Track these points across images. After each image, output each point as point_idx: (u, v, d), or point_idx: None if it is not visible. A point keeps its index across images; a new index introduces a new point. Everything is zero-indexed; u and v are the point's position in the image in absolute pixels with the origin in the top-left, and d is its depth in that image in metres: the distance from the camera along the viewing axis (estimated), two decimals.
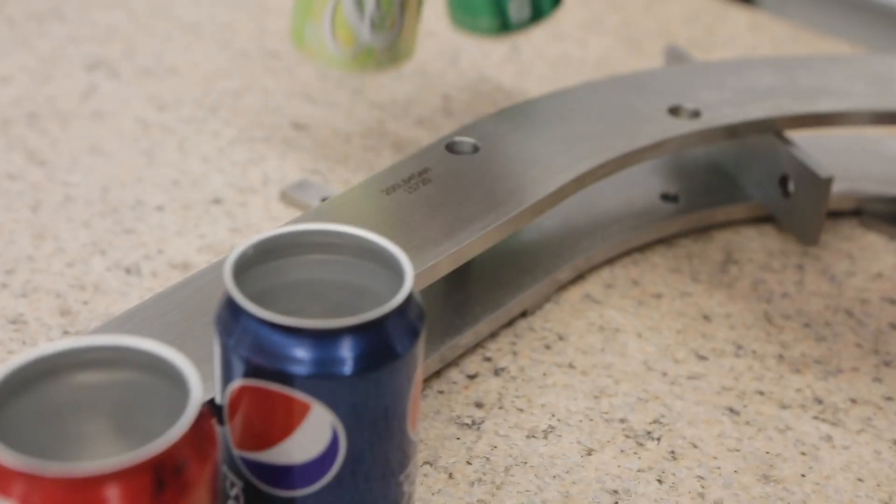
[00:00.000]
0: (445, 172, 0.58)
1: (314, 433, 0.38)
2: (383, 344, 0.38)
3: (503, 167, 0.59)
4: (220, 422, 0.40)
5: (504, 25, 0.75)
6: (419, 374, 0.41)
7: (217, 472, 0.35)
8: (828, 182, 0.61)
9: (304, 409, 0.38)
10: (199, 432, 0.34)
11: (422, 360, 0.40)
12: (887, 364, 0.58)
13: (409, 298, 0.39)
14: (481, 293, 0.59)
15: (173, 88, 0.79)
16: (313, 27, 0.66)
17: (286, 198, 0.67)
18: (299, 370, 0.37)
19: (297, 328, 0.37)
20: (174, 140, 0.73)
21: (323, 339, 0.37)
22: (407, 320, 0.39)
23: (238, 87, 0.80)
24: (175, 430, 0.32)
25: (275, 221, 0.65)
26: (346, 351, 0.37)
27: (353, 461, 0.39)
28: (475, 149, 0.60)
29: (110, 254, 0.62)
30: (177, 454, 0.32)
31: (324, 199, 0.66)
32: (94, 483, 0.31)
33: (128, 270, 0.60)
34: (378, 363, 0.38)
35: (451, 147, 0.60)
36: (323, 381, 0.37)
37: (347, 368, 0.37)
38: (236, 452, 0.40)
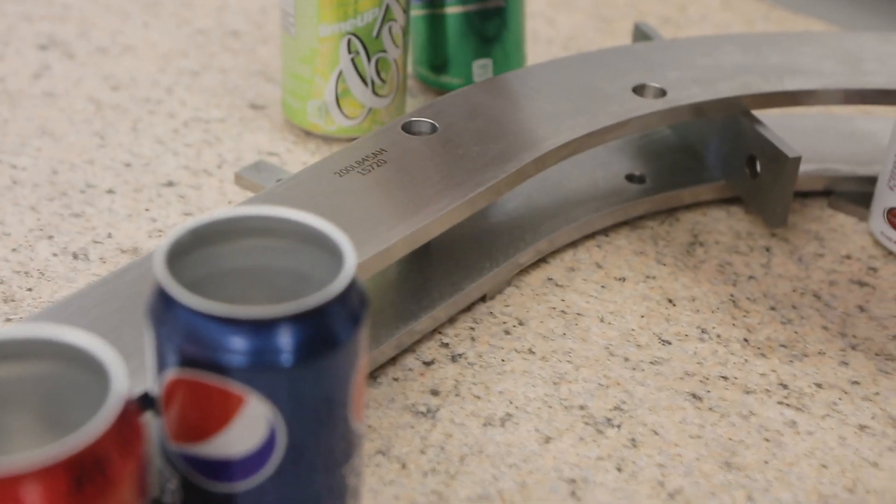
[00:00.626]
0: (402, 153, 0.56)
1: (250, 426, 0.37)
2: (323, 333, 0.36)
3: (462, 147, 0.57)
4: (156, 414, 0.39)
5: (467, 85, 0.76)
6: (362, 363, 0.39)
7: (144, 468, 0.33)
8: (795, 162, 0.60)
9: (239, 402, 0.36)
10: (123, 427, 0.32)
11: (365, 348, 0.39)
12: (854, 347, 0.57)
13: (351, 285, 0.37)
14: (439, 277, 0.57)
15: (128, 68, 0.77)
16: (317, 105, 0.68)
17: (241, 180, 0.65)
18: (234, 361, 0.36)
19: (231, 318, 0.35)
20: (127, 121, 0.71)
21: (258, 328, 0.36)
22: (348, 307, 0.37)
23: (196, 66, 0.78)
24: (94, 426, 0.31)
25: (228, 204, 0.64)
26: (284, 340, 0.36)
27: (294, 453, 0.38)
28: (433, 129, 0.59)
29: (57, 239, 0.60)
30: (97, 450, 0.31)
31: (280, 181, 0.64)
32: (6, 482, 0.29)
33: (75, 256, 0.59)
34: (317, 353, 0.36)
35: (407, 127, 0.59)
36: (259, 372, 0.36)
37: (285, 359, 0.36)
38: (172, 446, 0.38)
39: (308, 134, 0.71)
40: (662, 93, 0.63)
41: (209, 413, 0.37)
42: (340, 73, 0.68)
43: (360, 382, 0.39)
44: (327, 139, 0.70)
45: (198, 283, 0.39)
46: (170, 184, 0.65)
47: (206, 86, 0.76)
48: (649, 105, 0.62)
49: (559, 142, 0.58)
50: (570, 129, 0.59)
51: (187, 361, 0.36)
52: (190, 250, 0.39)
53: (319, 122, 0.69)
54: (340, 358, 0.37)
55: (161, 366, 0.37)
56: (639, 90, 0.64)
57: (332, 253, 0.39)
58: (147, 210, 0.63)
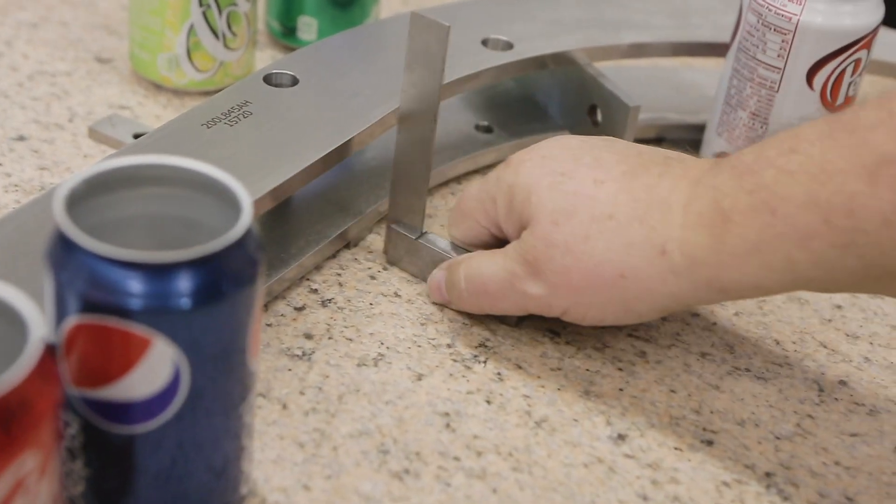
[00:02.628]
0: (266, 105, 0.57)
1: (155, 369, 0.38)
2: (225, 276, 0.38)
3: (323, 99, 0.59)
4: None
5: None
6: (259, 306, 0.40)
7: (61, 409, 0.34)
8: (636, 111, 0.64)
9: (144, 345, 0.37)
10: (43, 369, 0.33)
11: (261, 292, 0.40)
12: None
13: (249, 230, 0.39)
14: (304, 226, 0.59)
15: None
16: (167, 58, 0.68)
17: (95, 134, 0.65)
18: (140, 304, 0.37)
19: (137, 262, 0.36)
20: None
21: (164, 272, 0.37)
22: (247, 252, 0.39)
23: (34, 18, 0.76)
24: (19, 369, 0.31)
25: (86, 159, 0.63)
26: (188, 284, 0.37)
27: (195, 396, 0.39)
28: (294, 81, 0.60)
29: None
30: (22, 392, 0.31)
31: (136, 135, 0.65)
32: None
33: None
34: (220, 295, 0.38)
35: (269, 79, 0.60)
36: (165, 316, 0.37)
37: (190, 302, 0.37)
38: (73, 391, 0.39)
39: (158, 87, 0.71)
40: (510, 45, 0.66)
41: (113, 357, 0.38)
42: (192, 27, 0.68)
43: (257, 325, 0.41)
44: (178, 93, 0.71)
45: (90, 230, 0.40)
46: (21, 138, 0.64)
47: (47, 38, 0.74)
48: (499, 57, 0.65)
49: None
50: None
51: (90, 306, 0.37)
52: (85, 198, 0.39)
53: (170, 76, 0.69)
54: (241, 300, 0.39)
55: (61, 312, 0.38)
56: (486, 43, 0.66)
57: (224, 200, 0.41)
58: (0, 165, 0.62)
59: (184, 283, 0.37)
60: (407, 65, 0.53)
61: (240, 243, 0.38)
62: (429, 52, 0.52)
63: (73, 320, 0.38)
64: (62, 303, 0.38)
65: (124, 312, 0.37)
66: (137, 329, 0.37)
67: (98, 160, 0.63)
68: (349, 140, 0.56)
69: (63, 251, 0.37)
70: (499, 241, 0.55)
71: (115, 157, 0.51)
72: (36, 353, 0.32)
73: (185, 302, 0.37)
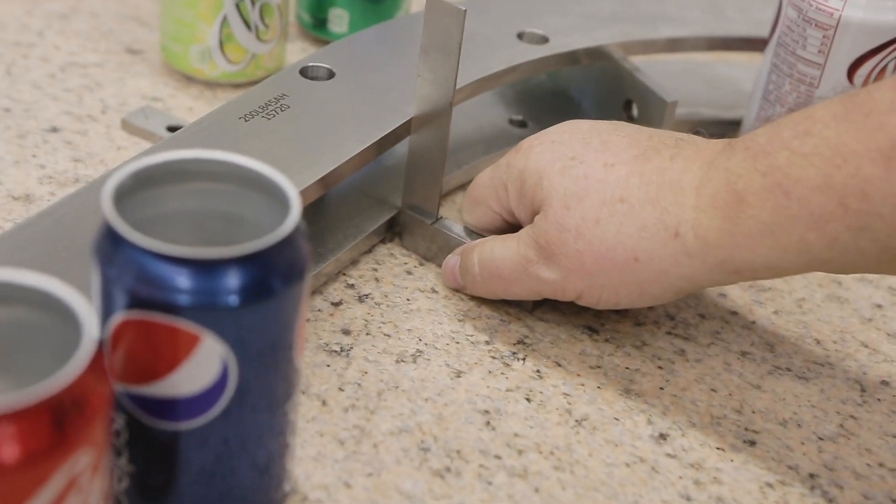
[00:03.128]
0: (303, 98, 0.57)
1: (203, 365, 0.37)
2: (274, 273, 0.37)
3: (360, 93, 0.58)
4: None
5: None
6: (306, 303, 0.40)
7: (112, 406, 0.34)
8: (673, 106, 0.63)
9: (194, 341, 0.37)
10: (95, 367, 0.32)
11: (308, 289, 0.40)
12: None
13: (298, 227, 0.38)
14: (341, 221, 0.58)
15: None
16: (200, 50, 0.68)
17: (128, 126, 0.65)
18: (189, 301, 0.36)
19: (187, 258, 0.36)
20: (1, 65, 0.69)
21: (213, 268, 0.36)
22: (295, 249, 0.38)
23: (64, 9, 0.76)
24: (72, 367, 0.31)
25: (119, 151, 0.63)
26: (237, 281, 0.37)
27: (242, 393, 0.39)
28: (330, 74, 0.59)
29: None
30: (75, 391, 0.31)
31: (170, 128, 0.64)
32: None
33: None
34: (269, 293, 0.37)
35: (305, 72, 0.59)
36: (214, 312, 0.37)
37: (239, 298, 0.37)
38: (118, 387, 0.39)
39: (189, 79, 0.70)
40: (545, 39, 0.65)
41: (160, 353, 0.37)
42: (225, 18, 0.67)
43: (303, 322, 0.40)
44: (210, 84, 0.70)
45: (138, 224, 0.39)
46: (54, 129, 0.64)
47: (78, 29, 0.74)
48: (535, 51, 0.64)
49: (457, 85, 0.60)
50: (465, 73, 0.61)
51: (139, 302, 0.37)
52: (131, 192, 0.39)
53: (202, 67, 0.69)
54: (289, 297, 0.38)
55: (108, 307, 0.37)
56: (522, 36, 0.66)
57: (270, 195, 0.40)
58: (34, 156, 0.61)
59: (233, 280, 0.37)
60: (423, 49, 0.53)
61: (289, 240, 0.38)
62: (446, 36, 0.52)
63: (120, 316, 0.37)
64: (109, 298, 0.37)
65: (173, 309, 0.36)
66: (186, 325, 0.37)
67: (132, 152, 0.63)
68: (388, 134, 0.55)
69: (111, 246, 0.37)
70: (512, 227, 0.55)
71: (157, 150, 0.50)
72: (90, 351, 0.32)
73: (235, 299, 0.37)
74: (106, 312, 0.38)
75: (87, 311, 0.33)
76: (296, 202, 0.39)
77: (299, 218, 0.38)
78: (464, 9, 0.52)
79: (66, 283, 0.42)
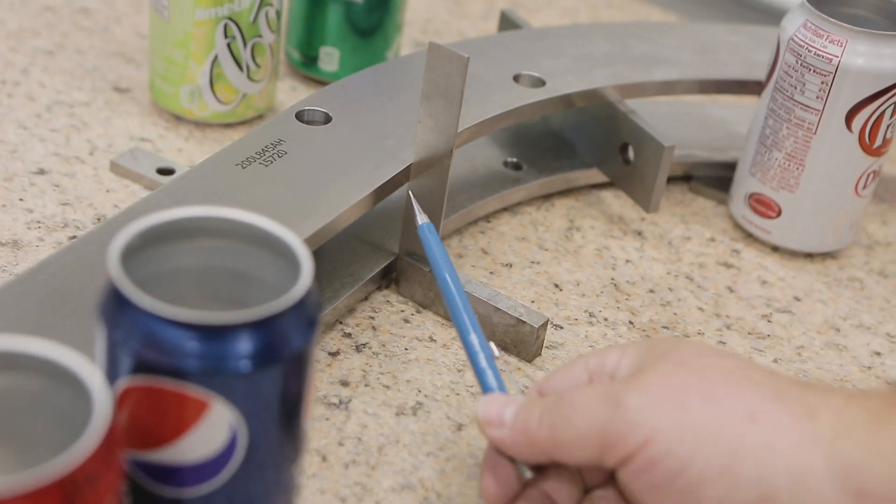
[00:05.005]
0: (299, 144, 0.56)
1: (211, 432, 0.36)
2: (285, 337, 0.36)
3: (357, 138, 0.57)
4: None
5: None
6: (314, 364, 0.39)
7: (122, 478, 0.33)
8: (670, 150, 0.63)
9: (201, 408, 0.36)
10: (108, 442, 0.31)
11: (317, 350, 0.39)
12: (728, 327, 0.60)
13: (309, 289, 0.37)
14: (338, 268, 0.57)
15: None
16: (189, 90, 0.67)
17: (117, 168, 0.63)
18: (199, 367, 0.35)
19: (197, 324, 0.35)
20: None
21: (223, 333, 0.35)
22: (306, 311, 0.37)
23: (49, 45, 0.75)
24: (85, 443, 0.30)
25: (108, 194, 0.62)
26: (248, 345, 0.35)
27: (250, 458, 0.37)
28: (327, 118, 0.58)
29: None
30: (88, 468, 0.30)
31: (160, 170, 0.63)
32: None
33: None
34: (279, 357, 0.36)
35: (301, 116, 0.58)
36: (223, 378, 0.35)
37: (249, 364, 0.36)
38: (126, 453, 0.37)
39: (179, 119, 0.69)
40: (542, 82, 0.65)
41: (168, 419, 0.36)
42: (216, 58, 0.66)
43: (312, 385, 0.39)
44: (200, 125, 0.69)
45: (144, 283, 0.38)
46: (41, 172, 0.63)
47: (63, 67, 0.73)
48: (532, 94, 0.64)
49: None
50: (463, 118, 0.60)
51: (146, 367, 0.35)
52: (138, 250, 0.38)
53: (192, 108, 0.68)
54: (300, 362, 0.37)
55: (113, 371, 0.36)
56: (518, 79, 0.65)
57: (278, 253, 0.39)
58: (21, 200, 0.60)
59: (244, 345, 0.36)
60: (424, 96, 0.52)
61: (300, 303, 0.37)
62: (448, 83, 0.51)
63: (125, 380, 0.36)
64: (115, 362, 0.36)
65: (181, 374, 0.35)
66: (194, 391, 0.35)
67: (122, 195, 0.62)
68: (387, 181, 0.55)
69: (117, 308, 0.36)
70: None
71: (156, 200, 0.49)
72: (103, 427, 0.31)
73: (245, 364, 0.36)
74: (111, 376, 0.37)
75: (98, 383, 0.32)
76: (307, 263, 0.38)
77: (311, 279, 0.37)
78: (466, 56, 0.51)
79: (64, 342, 0.41)
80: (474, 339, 0.47)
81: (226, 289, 0.41)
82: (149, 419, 0.36)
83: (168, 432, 0.36)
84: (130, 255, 0.38)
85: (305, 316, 0.37)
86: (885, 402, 0.40)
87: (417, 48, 0.83)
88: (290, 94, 0.75)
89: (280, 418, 0.38)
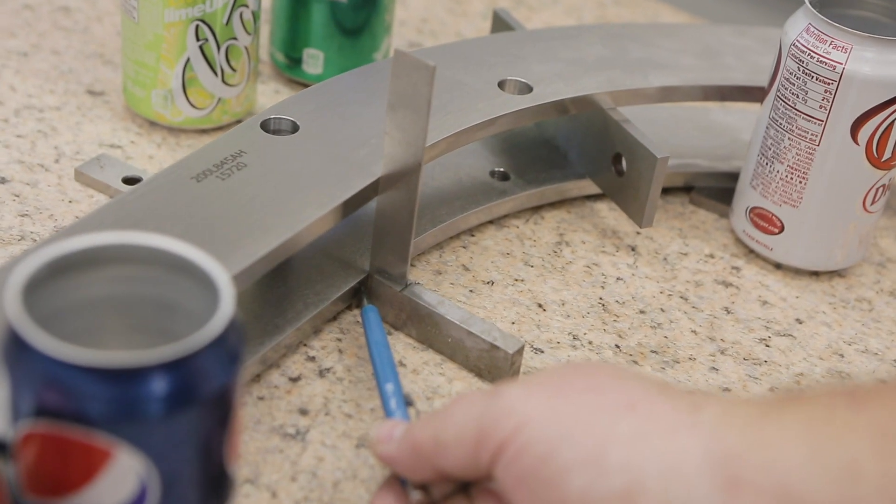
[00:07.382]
0: (261, 155, 0.53)
1: (118, 481, 0.33)
2: (201, 377, 0.33)
3: (325, 149, 0.54)
4: (8, 460, 0.35)
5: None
6: (240, 401, 0.36)
7: None
8: (664, 162, 0.59)
9: (105, 456, 0.33)
10: None
11: (243, 387, 0.36)
12: (723, 352, 0.57)
13: (230, 322, 0.34)
14: (302, 287, 0.54)
15: None
16: (162, 94, 0.64)
17: (82, 177, 0.60)
18: (101, 411, 0.32)
19: (99, 368, 0.32)
20: None
21: (129, 376, 0.32)
22: (226, 347, 0.34)
23: (25, 46, 0.72)
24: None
25: (70, 205, 0.59)
26: (157, 389, 0.32)
27: None
28: (294, 127, 0.55)
29: None
30: None
31: (126, 179, 0.60)
32: None
33: None
34: (193, 400, 0.33)
35: (266, 126, 0.55)
36: (128, 424, 0.32)
37: (158, 409, 0.32)
38: (28, 498, 0.34)
39: (153, 124, 0.66)
40: (528, 88, 0.61)
41: (71, 467, 0.33)
42: (188, 61, 0.63)
43: (237, 424, 0.36)
44: (174, 130, 0.66)
45: (55, 315, 0.35)
46: (2, 180, 0.60)
47: (38, 69, 0.70)
48: (517, 101, 0.60)
49: (429, 141, 0.55)
50: (439, 127, 0.57)
51: (46, 411, 0.33)
52: (46, 281, 0.35)
53: (165, 113, 0.65)
54: (221, 402, 0.34)
55: (16, 411, 0.33)
56: (503, 85, 0.62)
57: (201, 282, 0.36)
58: None
59: (154, 387, 0.32)
60: (390, 106, 0.49)
61: (219, 339, 0.34)
62: (414, 92, 0.48)
63: (27, 423, 0.33)
64: (17, 402, 0.33)
65: (84, 419, 0.32)
66: (98, 439, 0.32)
67: (84, 206, 0.59)
68: (353, 195, 0.51)
69: (16, 347, 0.33)
70: None
71: (85, 225, 0.46)
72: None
73: (154, 409, 0.32)
74: (14, 416, 0.34)
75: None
76: (227, 293, 0.34)
77: (231, 312, 0.34)
78: (433, 64, 0.47)
79: None
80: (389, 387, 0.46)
81: (154, 319, 0.38)
82: (51, 466, 0.33)
83: (72, 481, 0.33)
84: (40, 285, 0.35)
85: (226, 351, 0.34)
86: (772, 400, 0.39)
87: (412, 50, 0.79)
88: (274, 97, 0.72)
89: (198, 464, 0.35)
